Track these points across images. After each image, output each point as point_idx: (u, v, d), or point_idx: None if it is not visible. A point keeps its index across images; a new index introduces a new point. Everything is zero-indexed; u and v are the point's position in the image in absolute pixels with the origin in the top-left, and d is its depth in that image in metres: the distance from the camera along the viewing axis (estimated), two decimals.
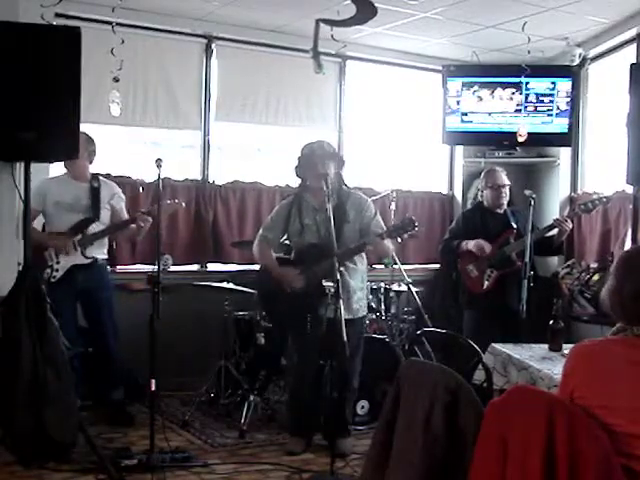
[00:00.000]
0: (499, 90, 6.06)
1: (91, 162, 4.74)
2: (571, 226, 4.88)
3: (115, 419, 4.69)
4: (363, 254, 4.39)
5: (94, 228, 4.64)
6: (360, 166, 6.33)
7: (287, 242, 4.57)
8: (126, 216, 4.82)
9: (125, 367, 4.85)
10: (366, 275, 4.54)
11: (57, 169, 5.03)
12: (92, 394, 4.74)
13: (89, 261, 4.62)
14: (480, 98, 6.11)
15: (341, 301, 3.75)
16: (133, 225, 4.66)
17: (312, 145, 4.37)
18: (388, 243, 4.24)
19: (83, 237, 4.59)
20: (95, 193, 4.67)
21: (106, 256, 4.80)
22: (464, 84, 6.13)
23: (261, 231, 4.52)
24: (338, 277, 3.80)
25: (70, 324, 4.54)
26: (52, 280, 4.52)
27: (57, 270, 4.55)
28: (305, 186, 4.42)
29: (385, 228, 4.31)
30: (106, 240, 4.76)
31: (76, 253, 4.56)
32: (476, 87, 6.11)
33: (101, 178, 4.79)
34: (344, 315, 3.77)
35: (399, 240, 4.31)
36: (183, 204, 4.93)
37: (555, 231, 4.89)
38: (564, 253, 5.60)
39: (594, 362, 2.17)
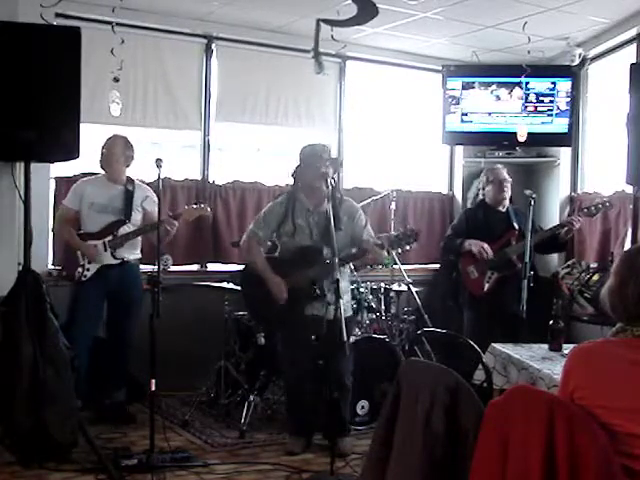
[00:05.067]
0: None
1: (128, 166, 4.79)
2: (579, 225, 4.94)
3: (116, 419, 4.68)
4: None
5: (125, 230, 4.69)
6: (360, 166, 6.34)
7: (273, 240, 4.55)
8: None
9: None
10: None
11: (56, 169, 5.04)
12: (94, 394, 4.73)
13: (118, 261, 4.68)
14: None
15: (341, 301, 3.76)
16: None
17: (315, 146, 4.37)
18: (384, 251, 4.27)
19: (114, 238, 4.66)
20: (129, 196, 4.74)
21: (139, 256, 4.84)
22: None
23: (252, 227, 4.46)
24: (338, 277, 3.81)
25: (96, 322, 4.70)
26: (83, 279, 4.63)
27: (88, 269, 4.64)
28: (299, 186, 4.40)
29: (374, 237, 4.31)
30: (138, 241, 4.79)
31: (106, 254, 4.64)
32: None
33: (136, 181, 4.83)
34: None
35: (399, 251, 4.32)
36: (209, 209, 4.96)
37: (564, 229, 4.92)
38: (567, 250, 5.62)
39: (594, 363, 2.16)
